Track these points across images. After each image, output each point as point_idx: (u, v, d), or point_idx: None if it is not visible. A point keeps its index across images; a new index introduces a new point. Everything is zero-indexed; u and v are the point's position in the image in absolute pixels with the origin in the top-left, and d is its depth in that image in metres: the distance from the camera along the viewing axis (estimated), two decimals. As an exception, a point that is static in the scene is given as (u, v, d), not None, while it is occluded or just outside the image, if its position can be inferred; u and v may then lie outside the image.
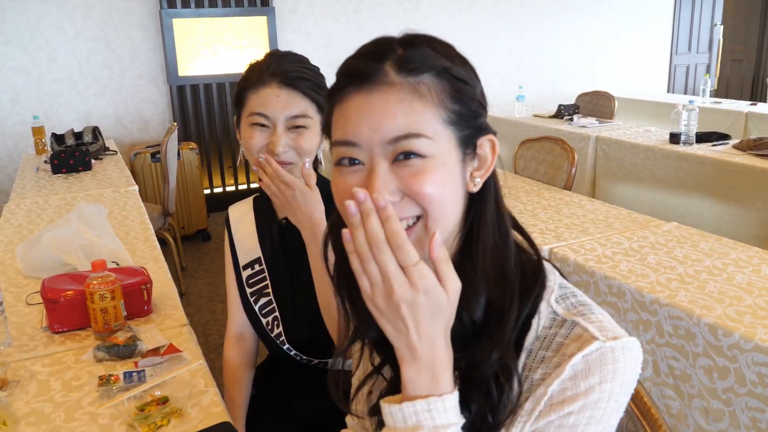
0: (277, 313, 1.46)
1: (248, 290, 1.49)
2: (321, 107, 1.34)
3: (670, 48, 7.07)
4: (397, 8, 5.61)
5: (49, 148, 3.80)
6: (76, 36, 4.72)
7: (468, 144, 0.73)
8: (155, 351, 1.42)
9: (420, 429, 0.67)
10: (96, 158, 3.66)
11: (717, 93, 7.51)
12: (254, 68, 1.34)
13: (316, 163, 1.46)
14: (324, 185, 1.44)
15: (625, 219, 2.32)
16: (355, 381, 0.88)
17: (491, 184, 0.77)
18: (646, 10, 6.74)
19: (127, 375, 1.31)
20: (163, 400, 1.23)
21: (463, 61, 0.74)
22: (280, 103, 1.30)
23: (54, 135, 3.87)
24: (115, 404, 1.22)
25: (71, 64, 4.75)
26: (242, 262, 1.51)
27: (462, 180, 0.74)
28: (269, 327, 1.47)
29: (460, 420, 0.69)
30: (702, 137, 3.71)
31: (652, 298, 1.68)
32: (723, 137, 3.75)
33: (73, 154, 3.37)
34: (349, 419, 1.03)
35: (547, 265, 0.79)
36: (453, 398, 0.69)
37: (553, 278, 0.77)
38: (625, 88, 6.48)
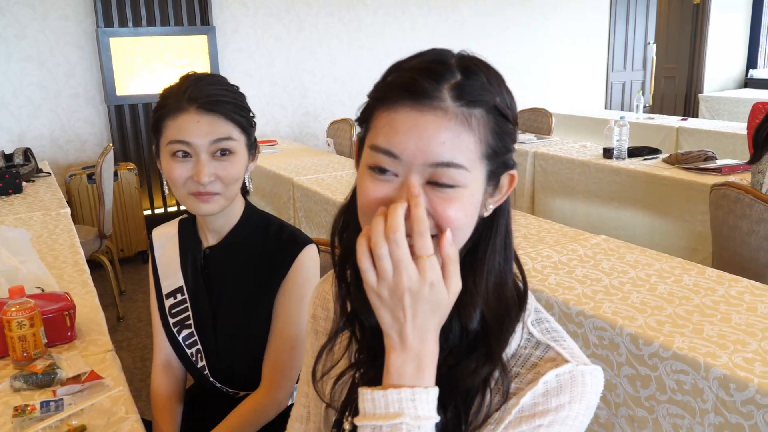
0: (199, 346, 1.42)
1: (171, 320, 1.44)
2: (244, 129, 1.29)
3: (607, 66, 7.31)
4: (340, 28, 5.64)
5: (-21, 171, 3.67)
6: (8, 57, 4.59)
7: (494, 177, 0.77)
8: (76, 378, 1.38)
9: (401, 416, 0.70)
10: (28, 180, 3.55)
11: (652, 109, 7.78)
12: (170, 94, 1.27)
13: (244, 190, 1.41)
14: (259, 221, 1.39)
15: (557, 233, 2.37)
16: (335, 371, 0.90)
17: (503, 211, 0.81)
18: (582, 30, 6.96)
19: (44, 404, 1.27)
20: (81, 429, 1.19)
21: (510, 95, 0.77)
22: (201, 129, 1.23)
23: (-17, 157, 3.75)
24: (28, 436, 1.18)
25: (4, 85, 4.61)
26: (165, 291, 1.46)
27: (480, 207, 0.77)
28: (193, 359, 1.43)
29: (437, 417, 0.72)
30: (634, 152, 3.84)
31: (577, 310, 1.72)
32: (654, 152, 3.88)
33: (2, 176, 3.26)
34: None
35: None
36: (436, 392, 0.73)
37: (530, 302, 0.82)
38: (565, 104, 6.66)
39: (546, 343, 0.78)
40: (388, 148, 0.72)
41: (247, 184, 1.38)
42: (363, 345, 0.85)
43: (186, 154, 1.25)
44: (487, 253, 0.79)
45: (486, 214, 0.79)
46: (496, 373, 0.76)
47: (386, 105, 0.74)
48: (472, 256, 0.79)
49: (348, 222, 0.84)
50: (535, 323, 0.80)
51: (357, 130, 0.81)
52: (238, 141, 1.28)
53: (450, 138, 0.71)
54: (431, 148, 0.71)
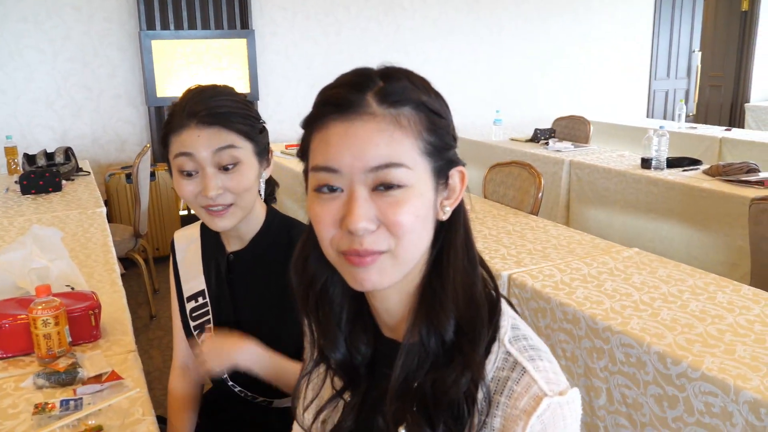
0: None
1: (192, 323, 1.45)
2: (249, 136, 1.28)
3: (649, 73, 7.16)
4: (377, 32, 5.65)
5: (21, 169, 3.78)
6: (54, 57, 4.72)
7: (441, 175, 0.77)
8: (97, 378, 1.39)
9: None
10: (67, 179, 3.63)
11: (696, 118, 7.59)
12: (174, 110, 1.28)
13: (269, 195, 1.41)
14: (283, 225, 1.39)
15: (588, 245, 2.32)
16: (316, 403, 0.90)
17: (460, 211, 0.80)
18: (624, 36, 6.83)
19: (64, 403, 1.28)
20: (97, 429, 1.21)
21: (438, 96, 0.78)
22: (202, 142, 1.23)
23: (26, 155, 3.84)
24: (45, 434, 1.19)
25: (49, 85, 4.74)
26: (186, 293, 1.47)
27: (434, 209, 0.77)
28: None
29: None
30: (673, 162, 3.75)
31: (604, 325, 1.67)
32: (694, 162, 3.78)
33: (42, 174, 3.34)
34: None
35: (503, 304, 0.81)
36: None
37: (507, 318, 0.79)
38: (605, 112, 6.54)
39: (522, 365, 0.74)
40: (326, 164, 0.73)
41: (261, 193, 1.36)
42: (339, 374, 0.86)
43: (193, 172, 1.26)
44: (451, 257, 0.78)
45: (444, 217, 0.78)
46: (481, 394, 0.73)
47: (318, 126, 0.75)
48: (438, 263, 0.79)
49: (309, 251, 0.83)
50: (512, 341, 0.77)
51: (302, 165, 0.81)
52: (242, 149, 1.26)
53: (383, 139, 0.71)
54: (367, 153, 0.71)
